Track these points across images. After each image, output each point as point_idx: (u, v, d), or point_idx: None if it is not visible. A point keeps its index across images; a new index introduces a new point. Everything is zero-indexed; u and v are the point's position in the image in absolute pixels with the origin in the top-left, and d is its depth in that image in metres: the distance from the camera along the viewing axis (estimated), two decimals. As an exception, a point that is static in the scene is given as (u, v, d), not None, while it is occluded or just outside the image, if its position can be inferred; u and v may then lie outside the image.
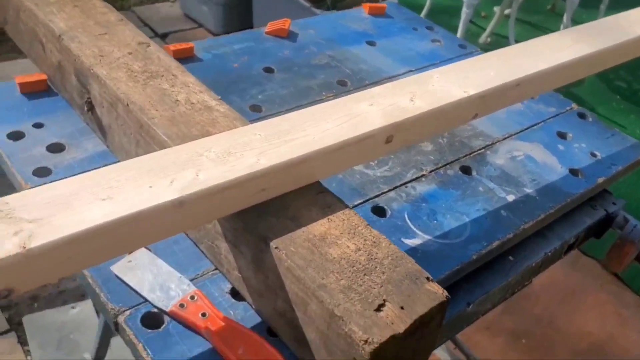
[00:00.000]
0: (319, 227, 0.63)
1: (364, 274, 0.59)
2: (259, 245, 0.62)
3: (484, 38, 3.68)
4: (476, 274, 0.85)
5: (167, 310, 0.65)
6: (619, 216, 1.01)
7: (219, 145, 0.65)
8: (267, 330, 0.67)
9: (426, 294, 0.58)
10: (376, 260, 0.60)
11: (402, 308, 0.56)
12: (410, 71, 1.17)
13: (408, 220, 0.84)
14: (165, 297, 0.67)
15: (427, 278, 0.60)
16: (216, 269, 0.73)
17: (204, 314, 0.65)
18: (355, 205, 0.85)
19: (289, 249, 0.60)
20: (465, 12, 3.38)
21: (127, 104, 0.76)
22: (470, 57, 1.26)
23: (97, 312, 1.73)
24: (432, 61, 1.22)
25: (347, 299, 0.56)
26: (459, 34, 3.41)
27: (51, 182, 0.79)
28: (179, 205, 0.57)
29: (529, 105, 1.13)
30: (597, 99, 3.32)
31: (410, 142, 0.79)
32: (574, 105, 1.16)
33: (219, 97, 0.80)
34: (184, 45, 1.08)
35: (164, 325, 0.65)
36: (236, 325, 0.65)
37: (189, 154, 0.63)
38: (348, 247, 0.61)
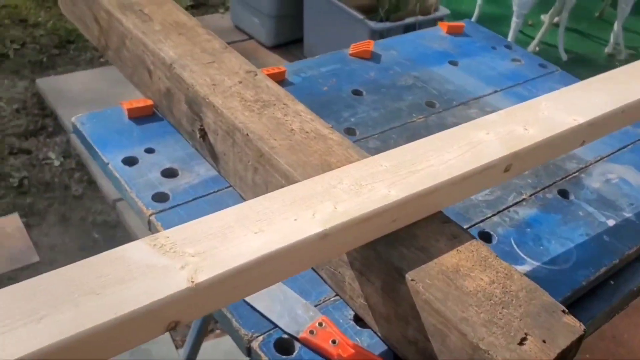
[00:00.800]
0: (449, 258, 0.65)
1: (502, 307, 0.60)
2: (392, 275, 0.64)
3: (532, 47, 3.65)
4: (580, 300, 0.86)
5: (299, 336, 0.68)
6: None
7: (348, 177, 0.67)
8: (394, 358, 0.68)
9: (565, 327, 0.59)
10: (511, 292, 0.61)
11: (544, 342, 0.57)
12: (496, 91, 1.18)
13: (515, 246, 0.84)
14: (294, 324, 0.69)
15: (563, 311, 0.61)
16: (337, 295, 0.74)
17: (334, 341, 0.67)
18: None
19: (425, 282, 0.62)
20: (515, 22, 3.36)
21: (247, 134, 0.78)
22: (552, 76, 1.26)
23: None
24: (516, 81, 1.22)
25: (490, 332, 0.57)
26: (508, 44, 3.39)
27: (171, 208, 0.83)
28: (324, 237, 0.59)
29: (618, 126, 1.13)
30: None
31: (525, 169, 0.80)
32: (664, 126, 1.15)
33: (330, 126, 0.82)
34: (276, 70, 1.10)
35: (295, 352, 0.67)
36: (366, 352, 0.67)
37: (323, 186, 0.65)
38: (482, 279, 0.63)
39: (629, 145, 1.09)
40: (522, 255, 0.83)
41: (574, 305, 0.85)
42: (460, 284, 0.62)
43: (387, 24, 2.73)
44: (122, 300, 0.49)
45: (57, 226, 2.12)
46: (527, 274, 0.81)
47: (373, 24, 2.70)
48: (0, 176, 2.29)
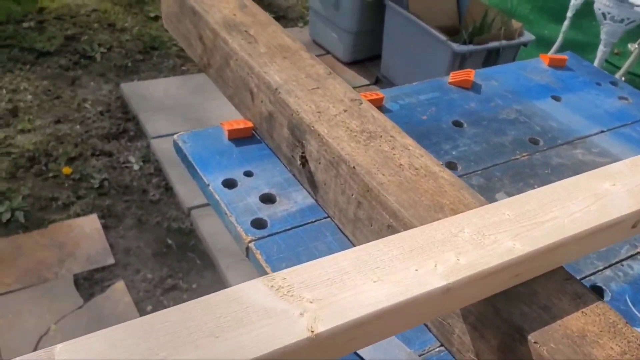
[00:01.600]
0: (574, 321, 0.60)
1: (637, 383, 0.55)
2: (512, 334, 0.60)
3: (618, 77, 3.49)
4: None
5: (403, 387, 0.64)
6: None
7: (470, 225, 0.63)
8: (503, 420, 0.64)
9: None
10: (646, 366, 0.56)
11: None
12: (602, 132, 1.11)
13: (631, 305, 0.78)
14: (397, 373, 0.66)
15: None
16: (442, 345, 0.71)
17: (440, 396, 0.63)
18: (570, 282, 0.80)
19: (550, 346, 0.57)
20: (602, 51, 3.23)
21: (354, 167, 0.76)
22: (665, 118, 1.18)
23: None
24: (624, 121, 1.15)
25: (625, 411, 0.52)
26: (593, 72, 3.26)
27: (269, 235, 0.81)
28: (446, 291, 0.56)
29: None
30: None
31: (654, 227, 0.74)
32: None
33: (441, 163, 0.79)
34: (374, 96, 1.08)
35: (399, 403, 0.64)
36: (475, 412, 0.63)
37: (444, 234, 0.61)
38: (612, 348, 0.58)
39: None
40: (639, 315, 0.77)
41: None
42: (588, 351, 0.57)
43: (471, 47, 2.67)
44: (242, 346, 0.47)
45: (133, 229, 2.16)
46: (646, 338, 0.75)
47: (456, 46, 2.65)
48: (82, 177, 2.36)
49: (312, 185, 0.87)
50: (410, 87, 1.17)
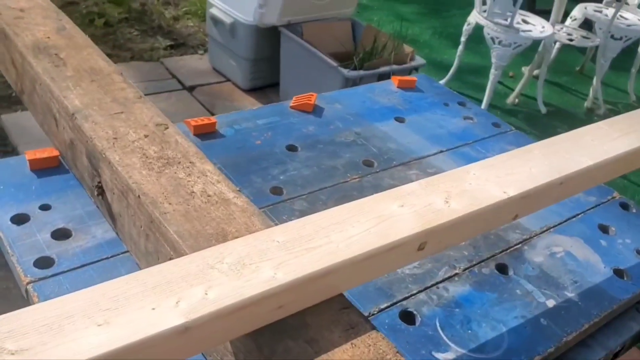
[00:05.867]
0: (340, 354, 0.56)
1: (392, 418, 0.51)
2: (273, 373, 0.55)
3: (511, 99, 3.63)
4: (513, 391, 0.77)
5: None
6: (669, 322, 0.92)
7: (233, 254, 0.58)
8: None
9: None
10: (406, 399, 0.53)
11: None
12: (441, 151, 1.11)
13: (440, 330, 0.76)
14: (165, 422, 0.59)
15: None
16: (225, 385, 0.65)
17: None
18: (382, 309, 0.77)
19: (302, 383, 0.53)
20: (493, 74, 3.34)
21: (139, 196, 0.70)
22: (504, 137, 1.20)
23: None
24: (465, 140, 1.15)
25: None
26: (486, 95, 3.37)
27: (53, 275, 0.74)
28: (184, 331, 0.50)
29: (568, 193, 1.05)
30: None
31: (445, 247, 0.72)
32: (616, 194, 1.08)
33: (238, 189, 0.74)
34: (205, 121, 1.03)
35: None
36: None
37: (199, 266, 0.56)
38: (374, 381, 0.54)
39: (579, 214, 1.02)
40: (447, 340, 0.74)
41: (506, 398, 0.76)
42: (347, 387, 0.53)
43: (361, 72, 2.69)
44: None
45: None
46: (449, 364, 0.72)
47: (346, 72, 2.66)
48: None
49: (112, 217, 0.80)
50: (250, 112, 1.14)
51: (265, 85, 3.35)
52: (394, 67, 2.82)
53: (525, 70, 3.77)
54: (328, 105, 1.18)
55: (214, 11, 3.20)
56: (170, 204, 0.70)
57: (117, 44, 3.58)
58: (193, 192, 0.73)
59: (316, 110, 1.16)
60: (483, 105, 3.31)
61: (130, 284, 0.53)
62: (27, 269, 0.73)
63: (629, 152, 0.85)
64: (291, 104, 1.16)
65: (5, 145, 2.62)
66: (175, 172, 0.75)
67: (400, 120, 1.18)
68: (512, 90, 3.70)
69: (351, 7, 3.27)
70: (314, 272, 0.58)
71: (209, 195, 0.72)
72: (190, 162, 0.78)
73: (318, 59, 2.82)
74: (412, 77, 1.32)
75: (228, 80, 3.41)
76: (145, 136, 0.81)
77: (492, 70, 3.34)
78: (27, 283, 0.72)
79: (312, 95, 1.16)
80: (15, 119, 2.77)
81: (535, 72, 3.70)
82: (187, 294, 0.53)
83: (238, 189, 0.74)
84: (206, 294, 0.53)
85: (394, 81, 1.31)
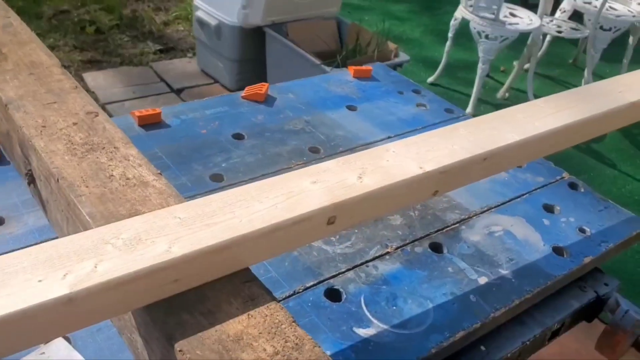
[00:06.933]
0: (235, 325, 0.57)
1: (276, 384, 0.52)
2: (166, 345, 0.56)
3: (501, 93, 3.62)
4: (444, 366, 0.77)
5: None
6: (612, 298, 0.92)
7: (130, 230, 0.59)
8: None
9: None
10: (293, 366, 0.53)
11: None
12: (389, 137, 1.11)
13: (364, 306, 0.76)
14: (71, 397, 0.60)
15: (350, 389, 0.52)
16: (136, 362, 0.66)
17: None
18: (308, 287, 0.78)
19: (195, 353, 0.54)
20: (481, 68, 3.34)
21: (58, 180, 0.72)
22: (456, 122, 1.20)
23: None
24: (414, 126, 1.16)
25: (250, 415, 0.49)
26: (474, 89, 3.37)
27: (-22, 260, 0.75)
28: (68, 302, 0.51)
29: (514, 174, 1.06)
30: (621, 156, 3.20)
31: (357, 222, 0.72)
32: (565, 175, 1.08)
33: (159, 172, 0.75)
34: (150, 112, 1.05)
35: None
36: None
37: (94, 242, 0.57)
38: (265, 350, 0.54)
39: (524, 194, 1.02)
40: (369, 316, 0.75)
41: (432, 372, 0.76)
42: (237, 355, 0.54)
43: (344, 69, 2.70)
44: None
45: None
46: (370, 339, 0.72)
47: (329, 70, 2.67)
48: None
49: (42, 204, 0.82)
50: (200, 103, 1.15)
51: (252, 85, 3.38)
52: (377, 64, 2.83)
53: (516, 64, 3.76)
54: (280, 95, 1.19)
55: (199, 14, 3.23)
56: (87, 187, 0.71)
57: (107, 50, 3.62)
58: (112, 175, 0.73)
59: (268, 100, 1.17)
60: (471, 100, 3.31)
61: (22, 257, 0.54)
62: (-47, 255, 0.74)
63: (559, 128, 0.85)
64: (242, 94, 1.17)
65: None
66: (98, 157, 0.76)
67: (352, 108, 1.19)
68: (503, 84, 3.69)
69: (335, 6, 3.29)
70: (211, 245, 0.59)
71: (127, 178, 0.73)
72: (114, 147, 0.78)
73: (302, 58, 2.84)
74: (368, 67, 1.32)
75: (216, 82, 3.43)
76: (74, 124, 0.82)
77: (480, 65, 3.34)
78: (-48, 269, 0.73)
79: (264, 85, 1.17)
80: None
81: (526, 65, 3.69)
82: (77, 268, 0.54)
83: (159, 172, 0.75)
84: (95, 267, 0.54)
85: (350, 71, 1.31)
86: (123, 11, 4.12)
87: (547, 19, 3.66)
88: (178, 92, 3.26)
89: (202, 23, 3.23)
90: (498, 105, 3.50)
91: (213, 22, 3.14)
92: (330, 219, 0.66)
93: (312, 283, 0.79)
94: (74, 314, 0.52)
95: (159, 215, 0.62)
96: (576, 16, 3.81)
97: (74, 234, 0.70)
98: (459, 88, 3.63)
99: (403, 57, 2.97)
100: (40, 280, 0.52)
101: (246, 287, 0.61)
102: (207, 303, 0.59)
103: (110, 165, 0.75)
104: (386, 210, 0.75)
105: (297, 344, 0.55)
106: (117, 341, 0.67)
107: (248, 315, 0.58)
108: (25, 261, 0.54)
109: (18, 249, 0.76)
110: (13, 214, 0.82)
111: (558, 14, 3.85)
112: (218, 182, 0.95)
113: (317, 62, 2.76)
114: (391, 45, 3.00)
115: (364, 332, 0.73)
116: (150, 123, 1.04)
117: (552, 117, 0.88)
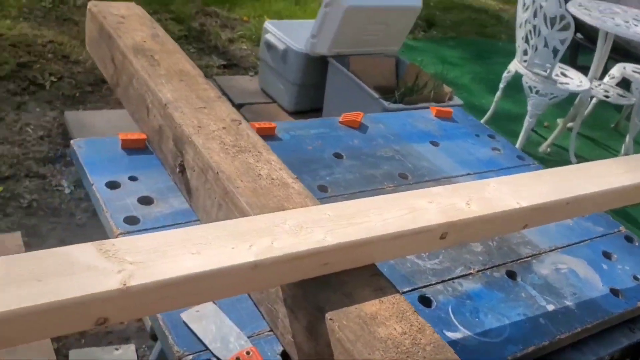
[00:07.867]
0: (370, 306, 0.71)
1: (407, 356, 0.65)
2: (315, 314, 0.70)
3: (544, 147, 3.74)
4: (510, 376, 0.89)
5: (225, 360, 0.73)
6: (658, 343, 1.04)
7: (293, 219, 0.74)
8: (310, 394, 0.73)
9: (461, 383, 0.64)
10: (419, 345, 0.67)
11: (437, 391, 0.62)
12: (469, 174, 1.25)
13: (451, 314, 0.89)
14: (224, 349, 0.74)
15: (464, 368, 0.66)
16: (271, 330, 0.80)
17: (256, 369, 0.72)
18: (404, 292, 0.91)
19: (342, 322, 0.67)
20: (527, 121, 3.47)
21: (217, 172, 0.87)
22: (527, 169, 1.34)
23: (138, 357, 1.80)
24: (490, 167, 1.30)
25: (390, 375, 0.62)
26: (519, 141, 3.50)
27: (139, 231, 0.90)
28: (254, 267, 0.66)
29: (578, 222, 1.19)
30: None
31: (463, 241, 0.86)
32: (622, 228, 1.21)
33: (296, 176, 0.90)
34: (267, 125, 1.20)
35: (220, 374, 0.73)
36: (284, 384, 0.72)
37: (267, 224, 0.72)
38: (395, 329, 0.68)
39: (586, 240, 1.15)
40: (456, 323, 0.88)
41: (502, 379, 0.89)
42: (373, 329, 0.67)
43: (400, 106, 2.86)
44: (59, 289, 0.56)
45: (54, 250, 2.20)
46: (457, 341, 0.86)
47: (386, 104, 2.83)
48: (12, 196, 2.40)
49: (188, 191, 0.97)
50: (304, 123, 1.30)
51: (309, 109, 3.55)
52: (433, 104, 2.98)
53: (560, 121, 3.89)
54: (372, 124, 1.34)
55: (268, 37, 3.42)
56: (242, 181, 0.86)
57: (175, 58, 3.82)
58: (260, 174, 0.89)
59: (361, 127, 1.31)
60: (515, 151, 3.44)
61: (216, 230, 0.69)
62: (118, 223, 0.90)
63: (629, 186, 0.99)
64: (340, 119, 1.32)
65: (66, 139, 2.84)
66: (247, 158, 0.91)
67: (434, 144, 1.33)
68: (545, 139, 3.82)
69: (397, 45, 3.46)
70: (355, 240, 0.73)
71: (272, 179, 0.88)
72: (258, 152, 0.94)
73: (361, 90, 3.00)
74: (449, 108, 1.47)
75: (274, 101, 3.61)
76: (223, 128, 0.97)
77: (527, 118, 3.48)
78: (118, 234, 0.88)
79: (360, 114, 1.32)
80: (77, 116, 3.01)
81: (570, 124, 3.82)
82: (258, 242, 0.68)
83: (295, 177, 0.90)
84: (272, 243, 0.69)
85: (432, 110, 1.46)
86: (192, 24, 4.35)
87: (595, 83, 3.80)
88: (239, 107, 3.44)
89: (269, 46, 3.43)
90: (540, 159, 3.62)
91: (281, 47, 3.33)
92: (443, 234, 0.80)
93: (407, 289, 0.92)
94: (256, 277, 0.66)
95: (312, 210, 0.77)
96: (624, 83, 3.93)
97: (226, 219, 0.85)
98: (504, 137, 3.75)
99: (457, 100, 3.12)
100: (232, 248, 0.67)
101: (375, 279, 0.75)
102: (346, 286, 0.73)
103: (257, 166, 0.90)
104: (486, 235, 0.89)
105: (419, 328, 0.69)
106: (253, 311, 0.81)
107: (380, 300, 0.72)
108: (216, 232, 0.69)
109: (168, 226, 0.92)
110: (160, 196, 0.97)
111: (607, 79, 3.97)
112: (324, 192, 1.09)
113: (376, 95, 2.92)
114: (446, 89, 3.16)
115: (452, 335, 0.86)
116: (266, 135, 1.19)
117: (623, 176, 1.01)
